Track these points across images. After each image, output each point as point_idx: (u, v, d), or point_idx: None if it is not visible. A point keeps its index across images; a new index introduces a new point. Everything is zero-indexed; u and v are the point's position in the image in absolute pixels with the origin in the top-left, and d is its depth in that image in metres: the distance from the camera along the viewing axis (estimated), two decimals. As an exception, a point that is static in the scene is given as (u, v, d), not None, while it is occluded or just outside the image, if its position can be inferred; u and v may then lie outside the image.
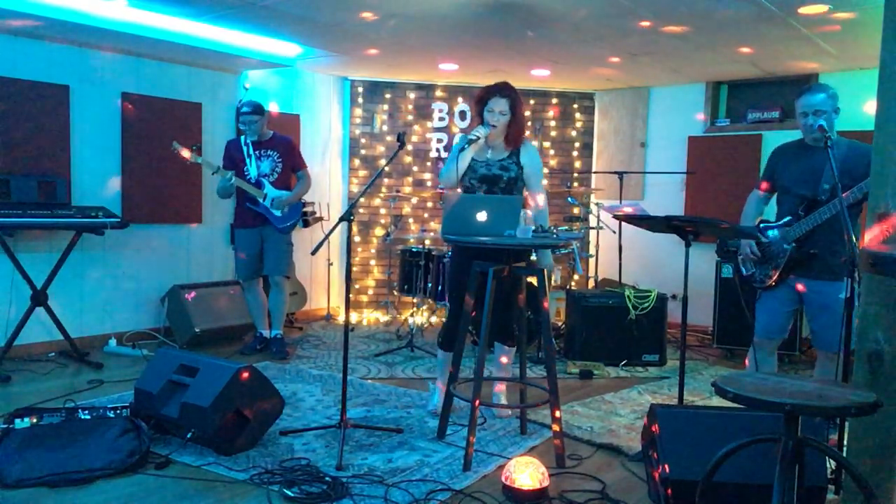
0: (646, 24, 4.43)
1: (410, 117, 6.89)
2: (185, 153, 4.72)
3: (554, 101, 7.04)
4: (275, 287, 5.09)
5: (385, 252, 6.73)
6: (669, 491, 2.54)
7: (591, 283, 6.21)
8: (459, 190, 3.70)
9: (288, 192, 5.03)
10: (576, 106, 7.09)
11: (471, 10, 4.25)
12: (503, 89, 3.59)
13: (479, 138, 3.50)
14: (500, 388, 3.93)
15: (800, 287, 3.35)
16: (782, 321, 3.46)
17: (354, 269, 6.82)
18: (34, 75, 4.83)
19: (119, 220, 4.82)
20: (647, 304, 5.14)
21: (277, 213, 4.97)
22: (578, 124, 7.10)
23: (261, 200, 4.93)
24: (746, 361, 3.62)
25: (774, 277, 3.40)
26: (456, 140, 3.65)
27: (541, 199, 3.71)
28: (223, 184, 4.86)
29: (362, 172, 6.90)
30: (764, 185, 3.59)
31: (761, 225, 3.55)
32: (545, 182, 6.98)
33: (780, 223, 3.44)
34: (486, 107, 3.58)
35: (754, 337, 3.54)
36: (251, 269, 5.08)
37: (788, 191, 3.43)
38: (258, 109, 4.94)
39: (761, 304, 3.52)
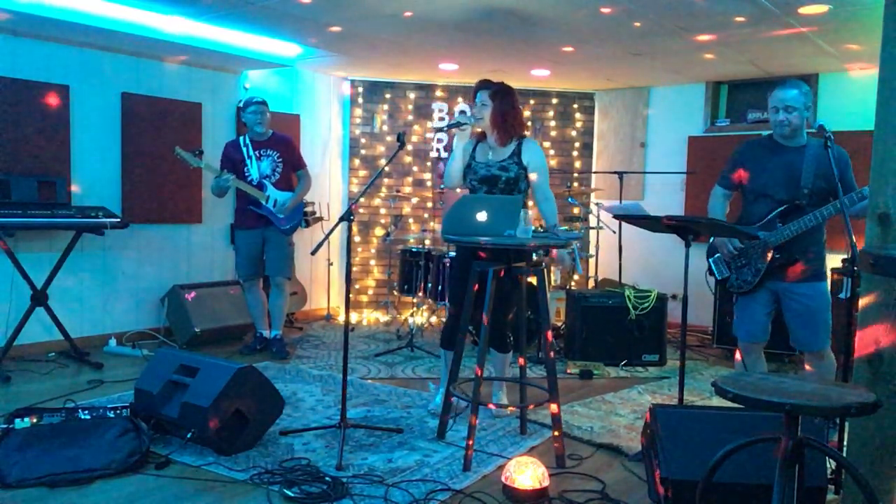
0: (645, 24, 4.43)
1: (410, 117, 6.89)
2: (188, 159, 4.71)
3: (554, 101, 7.04)
4: (276, 288, 5.09)
5: (385, 252, 6.73)
6: (669, 491, 2.54)
7: (591, 283, 6.21)
8: (459, 190, 3.73)
9: (290, 193, 5.03)
10: (576, 106, 7.09)
11: (469, 12, 4.26)
12: (485, 82, 3.70)
13: (461, 124, 3.58)
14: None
15: (777, 288, 3.34)
16: (764, 324, 3.42)
17: (354, 269, 6.82)
18: (34, 75, 4.83)
19: (119, 220, 4.82)
20: (647, 304, 5.13)
21: (280, 214, 4.97)
22: (578, 124, 7.10)
23: (263, 202, 4.93)
24: (737, 356, 3.58)
25: (754, 283, 3.35)
26: (454, 131, 3.70)
27: (550, 204, 3.72)
28: (220, 184, 4.84)
29: (362, 172, 6.90)
30: (729, 182, 3.49)
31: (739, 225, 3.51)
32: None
33: (757, 226, 3.36)
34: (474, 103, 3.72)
35: (739, 342, 3.51)
36: (252, 270, 5.08)
37: (763, 192, 3.34)
38: (265, 101, 4.98)
39: (741, 309, 3.47)
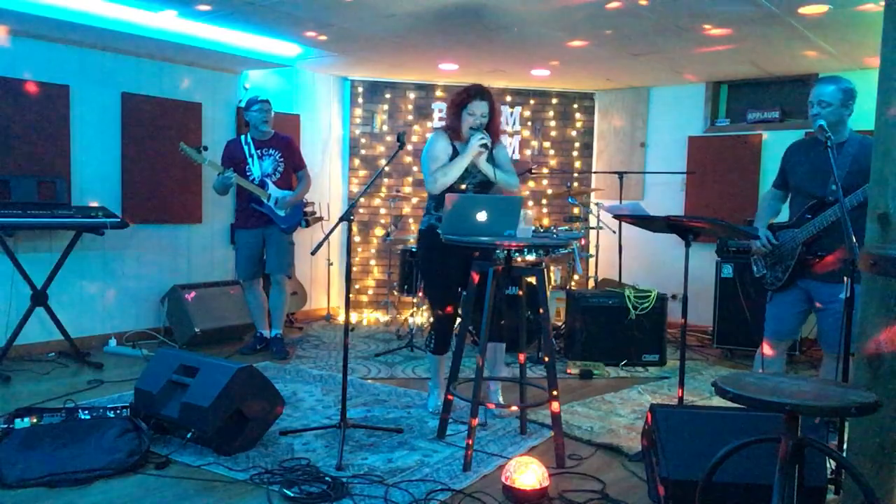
0: (645, 24, 4.43)
1: (410, 117, 6.89)
2: (192, 154, 4.70)
3: (554, 101, 7.04)
4: (276, 286, 5.09)
5: (385, 252, 6.72)
6: (669, 491, 2.54)
7: (591, 283, 6.21)
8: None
9: (291, 192, 5.03)
10: (576, 106, 7.09)
11: (469, 9, 4.26)
12: (483, 93, 3.63)
13: (487, 146, 3.55)
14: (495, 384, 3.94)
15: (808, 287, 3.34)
16: (792, 323, 3.43)
17: (354, 269, 6.82)
18: (34, 75, 4.83)
19: (119, 220, 4.82)
20: (647, 304, 5.13)
21: (281, 212, 4.97)
22: (578, 124, 7.10)
23: (265, 201, 4.93)
24: (762, 350, 3.55)
25: (784, 279, 3.38)
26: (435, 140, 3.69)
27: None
28: (224, 181, 4.84)
29: (362, 172, 6.90)
30: (777, 182, 3.57)
31: (774, 224, 3.53)
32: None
33: (789, 224, 3.41)
34: (466, 109, 3.61)
35: (764, 338, 3.51)
36: (252, 269, 5.08)
37: (799, 190, 3.40)
38: (268, 100, 4.99)
39: (772, 306, 3.49)
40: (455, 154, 3.65)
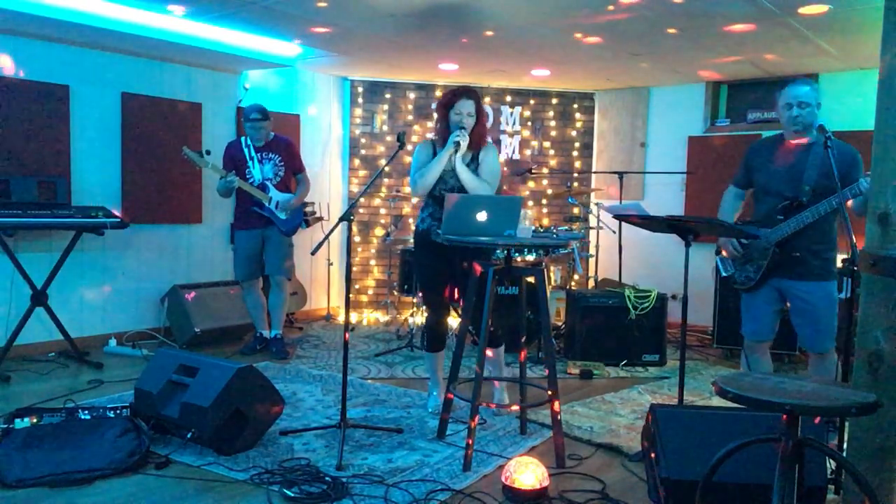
0: (644, 24, 4.43)
1: (410, 117, 6.89)
2: (195, 159, 4.69)
3: (554, 101, 7.04)
4: (275, 287, 5.09)
5: (385, 252, 6.73)
6: (669, 491, 2.54)
7: (591, 283, 6.21)
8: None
9: (291, 194, 5.04)
10: (576, 106, 7.09)
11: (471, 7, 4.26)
12: (469, 92, 3.64)
13: (459, 143, 3.54)
14: (499, 383, 3.94)
15: (782, 287, 3.34)
16: (769, 322, 3.42)
17: (354, 269, 6.82)
18: (34, 75, 4.83)
19: (119, 220, 4.81)
20: (647, 304, 5.13)
21: (282, 215, 4.97)
22: (578, 124, 7.10)
23: (266, 203, 4.92)
24: (747, 351, 3.57)
25: (756, 279, 3.36)
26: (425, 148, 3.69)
27: None
28: (227, 185, 4.84)
29: (362, 172, 6.90)
30: (740, 181, 3.54)
31: (740, 223, 3.53)
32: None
33: (755, 221, 3.39)
34: (453, 109, 3.61)
35: (745, 340, 3.51)
36: (250, 270, 5.08)
37: (768, 190, 3.37)
38: (266, 114, 4.94)
39: (745, 307, 3.48)
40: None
